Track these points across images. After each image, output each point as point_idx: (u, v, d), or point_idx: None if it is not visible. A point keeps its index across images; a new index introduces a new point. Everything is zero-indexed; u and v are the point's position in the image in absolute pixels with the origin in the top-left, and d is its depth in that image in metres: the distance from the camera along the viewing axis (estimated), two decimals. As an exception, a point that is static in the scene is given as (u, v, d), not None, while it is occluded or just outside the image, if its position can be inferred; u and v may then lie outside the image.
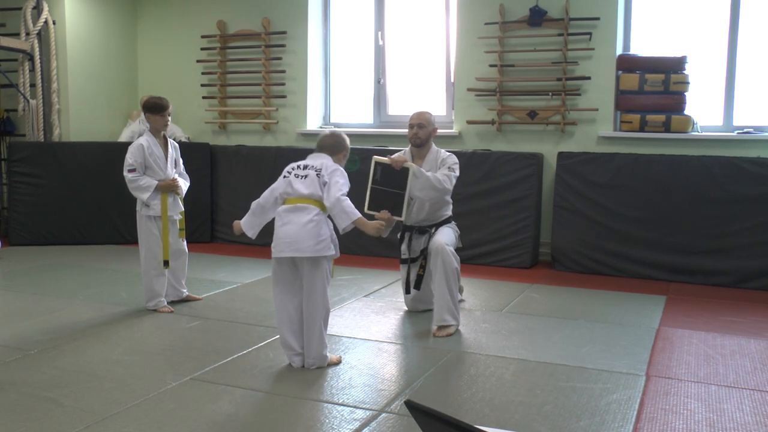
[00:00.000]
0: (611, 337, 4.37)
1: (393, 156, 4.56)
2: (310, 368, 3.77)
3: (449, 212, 4.82)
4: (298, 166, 3.80)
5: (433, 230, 4.70)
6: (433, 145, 4.81)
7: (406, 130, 4.83)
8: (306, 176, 3.72)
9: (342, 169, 3.80)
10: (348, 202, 3.66)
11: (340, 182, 3.69)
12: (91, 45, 8.02)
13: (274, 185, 3.89)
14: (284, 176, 3.81)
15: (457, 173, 4.66)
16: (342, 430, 3.04)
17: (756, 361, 4.00)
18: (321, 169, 3.72)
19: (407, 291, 4.82)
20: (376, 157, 4.58)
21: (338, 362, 3.87)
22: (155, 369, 3.73)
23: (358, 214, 3.69)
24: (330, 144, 3.89)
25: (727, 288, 5.80)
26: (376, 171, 4.55)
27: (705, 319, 4.84)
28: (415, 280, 4.75)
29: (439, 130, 5.08)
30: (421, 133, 4.70)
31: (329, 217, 3.75)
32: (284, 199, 3.76)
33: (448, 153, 4.78)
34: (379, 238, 4.35)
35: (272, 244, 3.73)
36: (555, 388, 3.49)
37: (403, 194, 4.42)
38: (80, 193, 7.37)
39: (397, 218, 4.50)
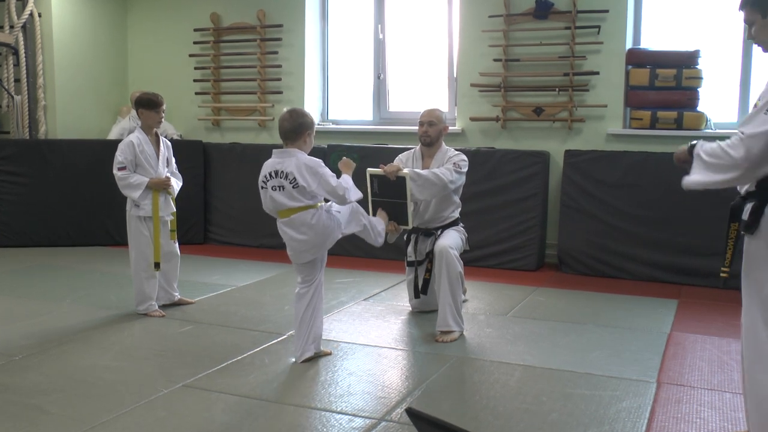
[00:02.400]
0: (620, 342, 4.32)
1: (386, 167, 4.50)
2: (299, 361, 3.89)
3: (456, 214, 4.76)
4: (270, 175, 3.72)
5: (438, 232, 4.66)
6: (443, 144, 4.78)
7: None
8: (282, 187, 3.69)
9: (312, 165, 3.67)
10: (350, 195, 3.76)
11: (328, 187, 3.67)
12: (79, 38, 7.92)
13: (262, 200, 3.85)
14: (261, 188, 3.79)
15: (463, 170, 4.60)
16: (340, 440, 3.02)
17: (774, 368, 3.90)
18: (296, 178, 3.64)
19: (416, 295, 4.79)
20: (369, 170, 4.55)
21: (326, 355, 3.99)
22: (146, 375, 3.71)
23: (355, 198, 3.82)
24: (290, 129, 3.73)
25: (741, 291, 5.70)
26: (372, 183, 4.54)
27: (719, 323, 4.78)
28: (422, 284, 4.72)
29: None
30: (431, 131, 4.67)
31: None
32: (277, 211, 3.78)
33: (457, 152, 4.73)
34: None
35: None
36: (562, 396, 3.46)
37: (404, 203, 4.42)
38: (68, 192, 7.27)
39: (404, 227, 4.53)
